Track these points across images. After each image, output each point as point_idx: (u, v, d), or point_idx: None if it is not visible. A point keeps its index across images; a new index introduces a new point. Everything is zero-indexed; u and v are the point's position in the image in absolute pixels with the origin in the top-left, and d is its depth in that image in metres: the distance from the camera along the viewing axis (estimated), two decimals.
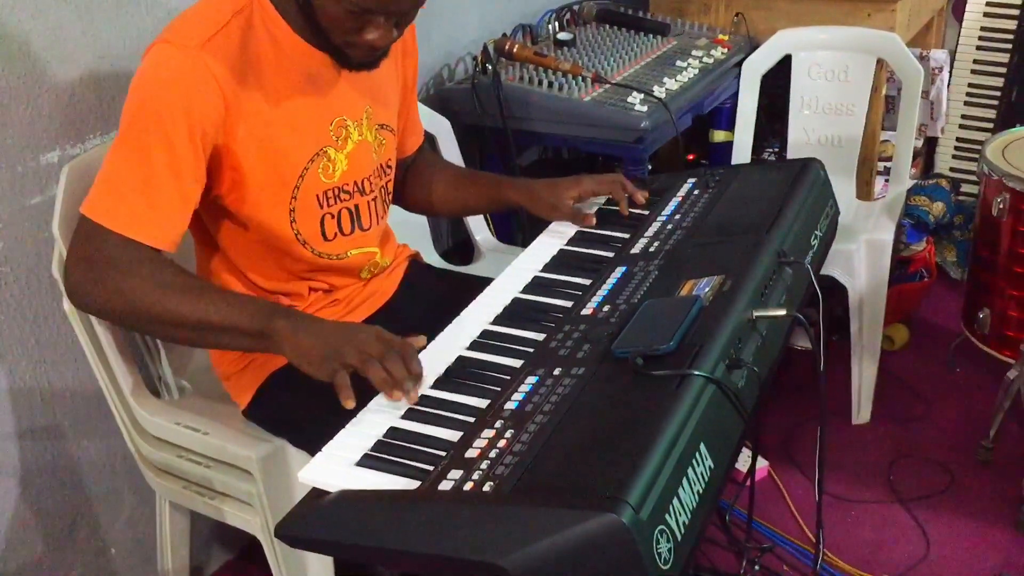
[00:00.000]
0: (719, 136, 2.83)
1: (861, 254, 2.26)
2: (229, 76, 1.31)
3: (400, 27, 1.35)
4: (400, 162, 1.69)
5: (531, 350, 1.27)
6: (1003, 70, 3.12)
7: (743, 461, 1.95)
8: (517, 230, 2.53)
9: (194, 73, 1.28)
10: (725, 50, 2.64)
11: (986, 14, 3.11)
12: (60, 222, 1.53)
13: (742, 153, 2.55)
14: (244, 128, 1.34)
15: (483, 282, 1.53)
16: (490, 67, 2.36)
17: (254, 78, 1.34)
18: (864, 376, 2.38)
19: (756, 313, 1.26)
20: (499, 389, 1.19)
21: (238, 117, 1.33)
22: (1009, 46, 3.09)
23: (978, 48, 3.14)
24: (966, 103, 3.19)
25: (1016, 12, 3.06)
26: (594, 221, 1.63)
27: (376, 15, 1.30)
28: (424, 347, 1.27)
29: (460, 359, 1.28)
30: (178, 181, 1.31)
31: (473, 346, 1.30)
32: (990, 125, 3.12)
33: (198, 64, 1.28)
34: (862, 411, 2.41)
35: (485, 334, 1.33)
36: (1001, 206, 2.14)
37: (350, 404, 1.19)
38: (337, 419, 1.17)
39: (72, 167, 1.56)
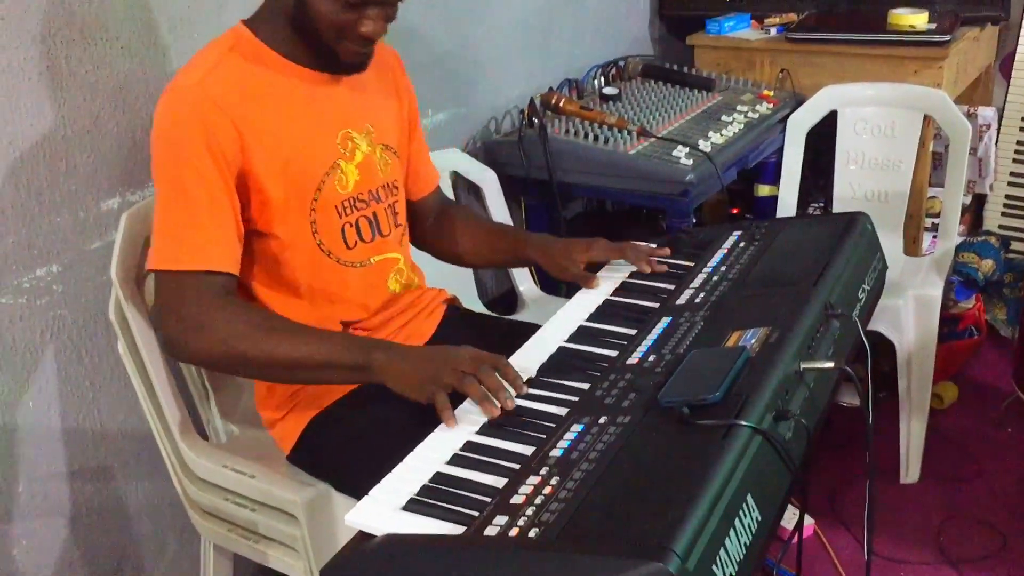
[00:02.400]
0: (764, 190, 2.84)
1: (909, 310, 2.24)
2: (234, 104, 1.37)
3: (388, 19, 1.42)
4: (420, 206, 1.74)
5: (576, 399, 1.27)
6: None
7: (789, 518, 1.92)
8: (560, 281, 2.54)
9: (201, 107, 1.35)
10: (770, 105, 2.66)
11: None
12: (118, 266, 1.58)
13: (787, 207, 2.55)
14: (259, 150, 1.40)
15: (526, 329, 1.55)
16: (536, 120, 2.39)
17: (257, 104, 1.41)
18: (913, 434, 2.34)
19: (803, 365, 1.25)
20: (544, 436, 1.19)
21: (252, 141, 1.39)
22: None
23: None
24: (1015, 160, 3.16)
25: None
26: (598, 283, 1.63)
27: (370, 6, 1.37)
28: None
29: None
30: (219, 207, 1.37)
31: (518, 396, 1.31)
32: None
33: (202, 99, 1.36)
34: (911, 470, 2.36)
35: (530, 382, 1.33)
36: None
37: (452, 423, 1.25)
38: (380, 464, 1.18)
39: (131, 214, 1.61)
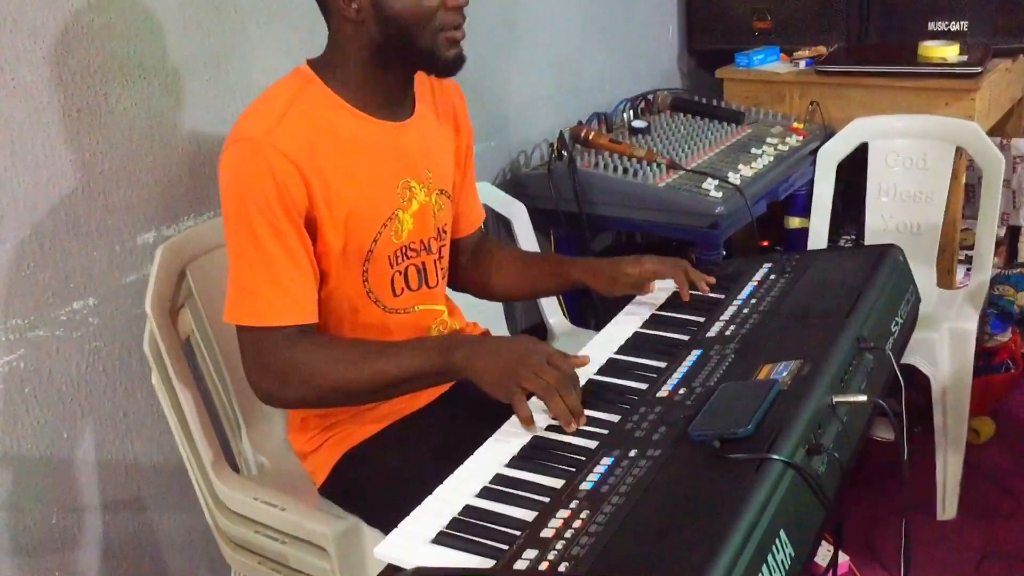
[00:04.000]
0: (794, 223, 2.83)
1: (944, 343, 2.21)
2: (301, 156, 1.37)
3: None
4: (462, 243, 1.73)
5: (606, 431, 1.26)
6: None
7: (823, 555, 1.89)
8: (590, 313, 2.54)
9: (271, 159, 1.35)
10: (800, 138, 2.65)
11: None
12: (153, 299, 1.60)
13: (818, 239, 2.54)
14: (325, 202, 1.40)
15: None
16: (566, 153, 2.41)
17: (324, 155, 1.40)
18: (949, 469, 2.30)
19: (836, 399, 1.24)
20: (574, 470, 1.18)
21: (319, 193, 1.39)
22: None
23: None
24: None
25: None
26: (655, 289, 1.63)
27: None
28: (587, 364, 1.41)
29: (535, 438, 1.29)
30: (295, 259, 1.38)
31: (549, 426, 1.31)
32: None
33: (272, 150, 1.35)
34: (948, 506, 2.32)
35: None
36: None
37: (533, 429, 1.28)
38: (411, 497, 1.18)
39: (166, 247, 1.64)
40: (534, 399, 1.31)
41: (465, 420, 1.48)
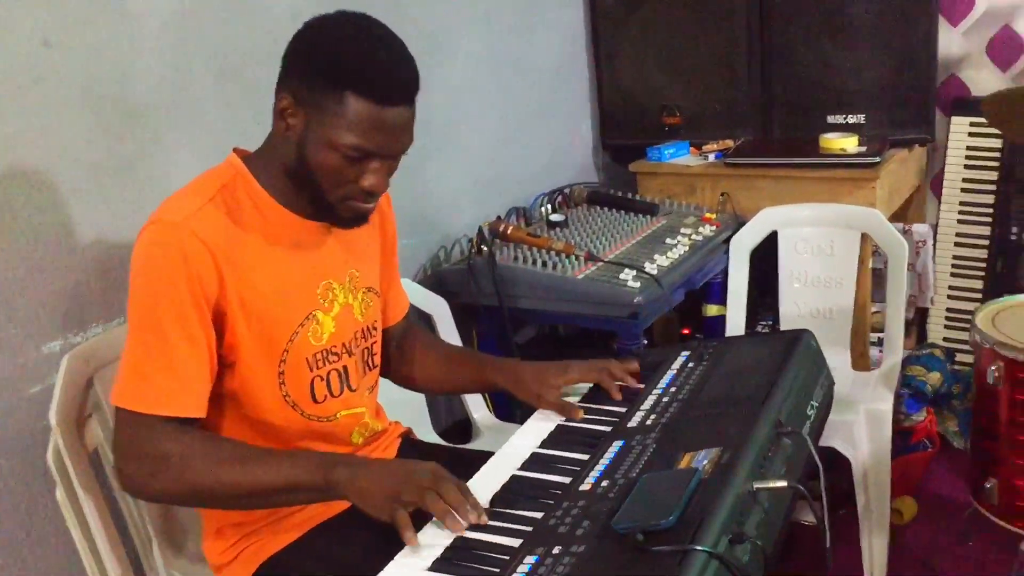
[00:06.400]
0: (712, 310, 2.88)
1: (861, 425, 2.25)
2: (218, 245, 1.36)
3: (390, 173, 1.42)
4: (387, 333, 1.72)
5: (530, 528, 1.24)
6: (986, 242, 3.20)
7: None
8: (516, 407, 2.53)
9: (187, 243, 1.33)
10: (713, 227, 2.73)
11: (964, 189, 3.23)
12: (58, 410, 1.54)
13: (735, 326, 2.58)
14: (236, 295, 1.38)
15: (480, 457, 1.52)
16: (485, 248, 2.43)
17: (241, 248, 1.39)
18: (875, 551, 2.31)
19: (757, 485, 1.24)
20: (498, 570, 1.16)
21: (232, 284, 1.37)
22: (990, 219, 3.18)
23: (959, 222, 3.24)
24: (952, 274, 3.25)
25: (992, 188, 3.18)
26: (581, 415, 1.60)
27: (374, 158, 1.37)
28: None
29: (458, 539, 1.25)
30: (195, 348, 1.35)
31: (471, 526, 1.28)
32: (979, 295, 3.17)
33: (188, 235, 1.34)
34: None
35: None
36: (996, 375, 2.15)
37: (413, 542, 1.23)
38: None
39: (72, 356, 1.58)
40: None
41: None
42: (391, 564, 1.22)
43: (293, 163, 1.39)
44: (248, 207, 1.42)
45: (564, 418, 1.60)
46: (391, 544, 1.25)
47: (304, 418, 1.49)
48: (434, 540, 1.25)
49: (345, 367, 1.53)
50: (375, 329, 1.62)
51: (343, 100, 1.32)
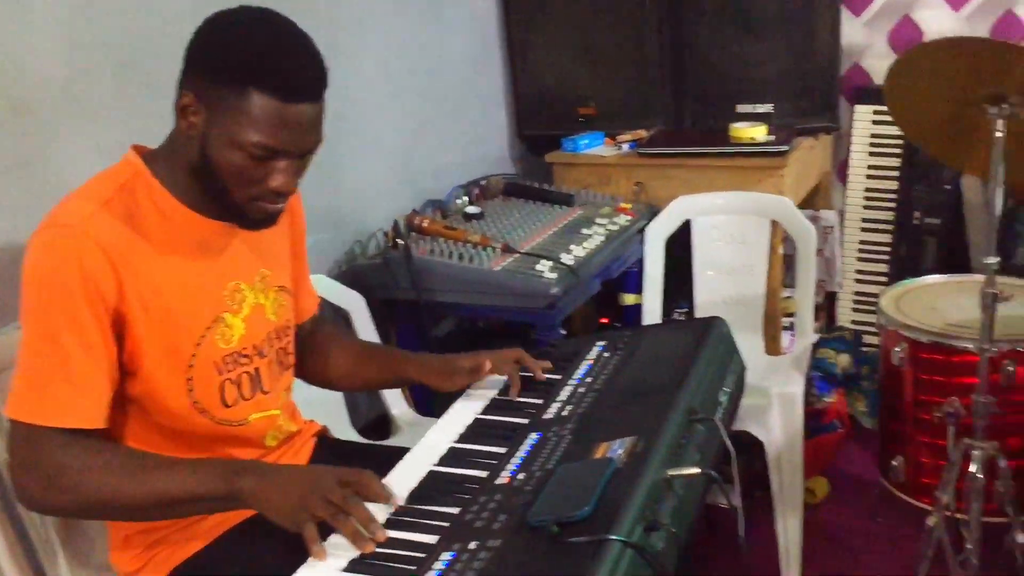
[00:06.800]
0: (629, 299, 2.91)
1: (774, 408, 2.30)
2: (116, 249, 1.31)
3: (299, 172, 1.38)
4: (298, 329, 1.69)
5: (447, 524, 1.23)
6: (890, 227, 3.30)
7: None
8: (436, 401, 2.51)
9: (82, 247, 1.28)
10: (628, 217, 2.75)
11: (868, 176, 3.32)
12: None
13: (652, 314, 2.61)
14: (136, 299, 1.33)
15: (398, 454, 1.51)
16: (401, 241, 2.40)
17: (142, 250, 1.34)
18: (790, 531, 2.36)
19: (670, 472, 1.25)
20: (415, 568, 1.14)
21: (131, 288, 1.32)
22: (893, 204, 3.29)
23: (865, 207, 3.33)
24: (859, 259, 3.35)
25: (896, 174, 3.28)
26: (489, 367, 1.63)
27: (281, 157, 1.33)
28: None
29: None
30: (93, 356, 1.30)
31: (388, 524, 1.26)
32: (884, 279, 3.27)
33: (83, 238, 1.29)
34: (791, 567, 2.38)
35: (400, 511, 1.29)
36: (901, 356, 2.22)
37: (322, 556, 1.20)
38: None
39: None
40: None
41: None
42: (304, 566, 1.20)
43: (197, 162, 1.35)
44: (148, 208, 1.37)
45: (487, 402, 1.60)
46: (300, 547, 1.23)
47: (215, 423, 1.45)
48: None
49: (257, 369, 1.50)
50: (289, 328, 1.59)
51: (247, 97, 1.28)
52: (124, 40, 1.93)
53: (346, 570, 1.19)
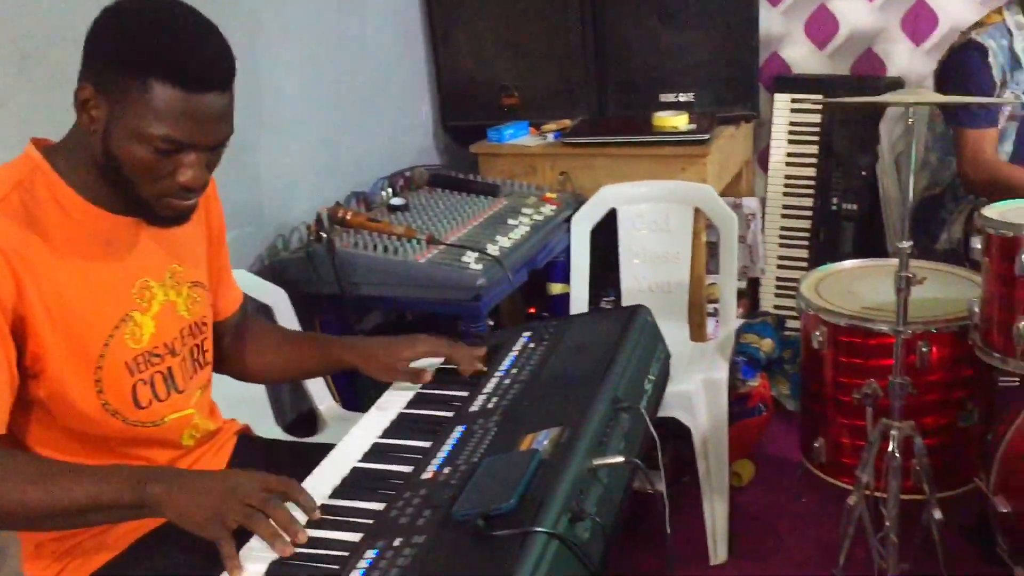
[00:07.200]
0: (556, 288, 2.91)
1: (699, 394, 2.33)
2: (13, 249, 1.25)
3: (210, 166, 1.34)
4: (220, 327, 1.66)
5: (371, 521, 1.22)
6: (809, 213, 3.37)
7: None
8: (363, 394, 2.49)
9: None
10: (554, 207, 2.75)
11: (788, 163, 3.39)
12: None
13: (579, 303, 2.62)
14: (38, 300, 1.28)
15: (322, 450, 1.48)
16: (324, 235, 2.37)
17: (42, 249, 1.29)
18: (717, 514, 2.40)
19: (595, 462, 1.26)
20: (338, 568, 1.13)
21: (31, 288, 1.27)
22: (812, 191, 3.35)
23: (785, 194, 3.40)
24: (781, 244, 3.42)
25: (814, 161, 3.34)
26: (430, 377, 1.61)
27: (188, 150, 1.28)
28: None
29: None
30: None
31: (310, 523, 1.24)
32: (804, 264, 3.34)
33: None
34: (719, 550, 2.42)
35: (322, 509, 1.27)
36: (821, 339, 2.26)
37: (237, 573, 1.16)
38: None
39: None
40: None
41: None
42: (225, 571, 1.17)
43: (101, 158, 1.29)
44: (49, 205, 1.31)
45: (412, 396, 1.59)
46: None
47: (128, 425, 1.40)
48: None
49: (170, 368, 1.46)
50: (204, 325, 1.55)
51: (148, 88, 1.23)
52: (27, 29, 1.86)
53: (268, 574, 1.16)
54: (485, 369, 1.63)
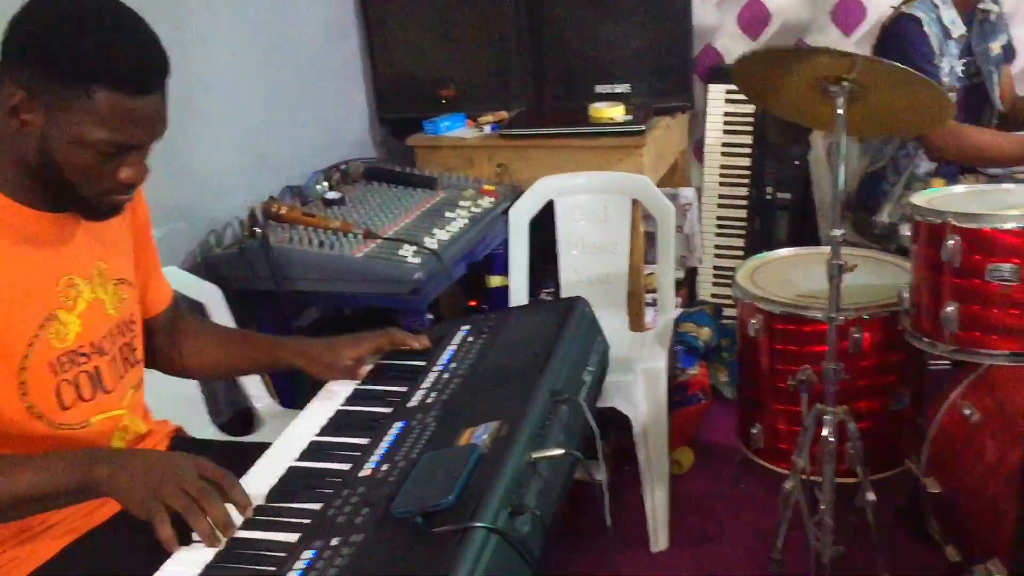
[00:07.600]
0: (495, 281, 2.91)
1: (639, 384, 2.34)
2: None
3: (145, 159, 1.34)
4: (151, 324, 1.62)
5: (308, 521, 1.20)
6: (745, 202, 3.41)
7: None
8: (300, 392, 2.45)
9: None
10: (492, 199, 2.74)
11: (723, 153, 3.42)
12: None
13: (519, 296, 2.62)
14: None
15: (258, 449, 1.45)
16: (258, 230, 2.33)
17: None
18: (657, 502, 2.42)
19: (535, 455, 1.25)
20: (274, 569, 1.11)
21: None
22: (747, 181, 3.40)
23: (720, 184, 3.43)
24: (717, 234, 3.45)
25: (748, 151, 3.38)
26: (367, 371, 1.61)
27: (131, 151, 1.28)
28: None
29: (231, 540, 1.19)
30: None
31: (245, 524, 1.22)
32: (741, 253, 3.38)
33: None
34: (660, 538, 2.44)
35: (258, 510, 1.25)
36: (756, 327, 2.29)
37: (172, 547, 1.17)
38: None
39: None
40: None
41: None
42: (159, 572, 1.15)
43: (34, 160, 1.27)
44: None
45: (350, 392, 1.57)
46: (161, 550, 1.18)
47: (52, 427, 1.36)
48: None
49: (97, 368, 1.42)
50: (133, 323, 1.51)
51: (91, 95, 1.22)
52: None
53: (202, 573, 1.13)
54: (423, 363, 1.61)
